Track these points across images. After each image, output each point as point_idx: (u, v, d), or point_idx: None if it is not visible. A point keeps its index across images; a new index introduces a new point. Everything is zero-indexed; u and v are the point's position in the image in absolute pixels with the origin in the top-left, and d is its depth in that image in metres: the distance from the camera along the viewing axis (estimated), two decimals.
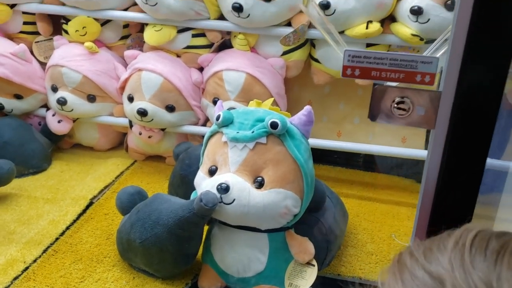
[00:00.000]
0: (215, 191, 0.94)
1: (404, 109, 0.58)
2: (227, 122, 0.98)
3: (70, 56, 1.45)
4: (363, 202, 1.39)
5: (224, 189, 0.93)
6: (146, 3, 1.32)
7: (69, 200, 1.35)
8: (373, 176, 1.53)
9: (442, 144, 0.57)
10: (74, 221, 1.27)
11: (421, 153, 1.36)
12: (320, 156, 1.57)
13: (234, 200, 0.93)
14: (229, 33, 1.42)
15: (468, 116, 0.55)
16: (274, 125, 0.93)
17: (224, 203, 0.94)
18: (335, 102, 1.52)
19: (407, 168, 1.52)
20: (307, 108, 0.99)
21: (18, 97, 1.51)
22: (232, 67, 1.35)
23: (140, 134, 1.47)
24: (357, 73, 0.59)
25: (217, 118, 0.99)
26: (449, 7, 1.14)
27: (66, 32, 1.49)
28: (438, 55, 0.72)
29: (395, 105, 0.58)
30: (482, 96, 0.55)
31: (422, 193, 0.61)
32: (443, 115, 0.56)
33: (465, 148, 0.57)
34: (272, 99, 1.06)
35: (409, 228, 1.27)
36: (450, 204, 0.59)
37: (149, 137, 1.47)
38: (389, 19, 1.28)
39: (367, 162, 1.55)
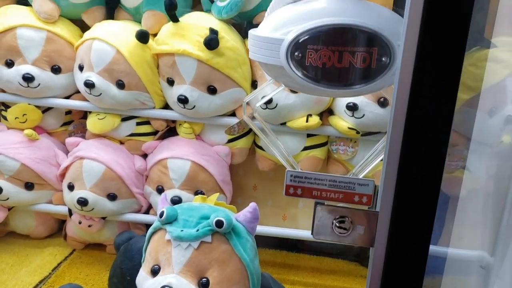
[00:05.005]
0: None
1: (344, 228, 0.60)
2: (171, 219, 0.97)
3: (8, 144, 1.40)
4: None
5: None
6: (90, 94, 1.32)
7: None
8: (319, 260, 1.54)
9: (382, 263, 0.59)
10: None
11: None
12: (266, 240, 1.57)
13: None
14: (174, 121, 1.43)
15: (404, 235, 0.58)
16: (219, 224, 0.93)
17: None
18: (280, 187, 1.54)
19: (351, 252, 1.55)
20: (252, 205, 1.00)
21: None
22: (177, 155, 1.36)
23: (80, 223, 1.42)
24: (299, 192, 0.61)
25: (161, 215, 0.97)
26: (382, 104, 1.22)
27: (5, 118, 1.45)
28: (367, 169, 0.77)
29: (336, 224, 0.60)
30: (416, 215, 0.58)
31: None
32: (381, 234, 0.58)
33: (402, 266, 0.59)
34: (217, 194, 1.07)
35: None
36: None
37: (89, 226, 1.42)
38: (327, 112, 1.34)
39: (312, 246, 1.57)
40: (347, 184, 0.59)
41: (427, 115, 0.58)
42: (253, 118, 0.94)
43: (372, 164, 0.79)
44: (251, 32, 0.78)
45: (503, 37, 1.14)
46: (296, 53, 0.69)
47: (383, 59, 0.69)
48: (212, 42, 1.21)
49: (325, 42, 0.68)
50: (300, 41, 0.69)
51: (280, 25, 0.74)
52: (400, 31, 0.71)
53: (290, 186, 0.61)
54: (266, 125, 0.93)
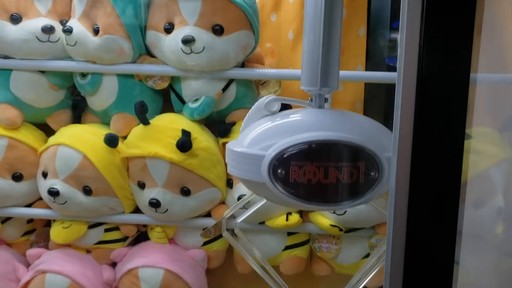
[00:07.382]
0: None
1: None
2: None
3: None
4: None
5: None
6: (54, 202, 1.24)
7: None
8: None
9: None
10: None
11: None
12: None
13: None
14: (145, 225, 1.35)
15: None
16: None
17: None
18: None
19: None
20: None
21: None
22: (149, 263, 1.26)
23: None
24: None
25: None
26: None
27: None
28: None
29: None
30: None
31: None
32: None
33: None
34: None
35: None
36: None
37: None
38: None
39: None
40: None
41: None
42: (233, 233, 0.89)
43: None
44: (229, 146, 0.74)
45: (478, 128, 1.14)
46: (279, 170, 0.65)
47: (371, 173, 0.65)
48: (185, 145, 1.17)
49: (309, 158, 0.65)
50: (282, 157, 0.65)
51: (259, 140, 0.70)
52: (383, 142, 0.68)
53: None
54: (249, 244, 0.88)
